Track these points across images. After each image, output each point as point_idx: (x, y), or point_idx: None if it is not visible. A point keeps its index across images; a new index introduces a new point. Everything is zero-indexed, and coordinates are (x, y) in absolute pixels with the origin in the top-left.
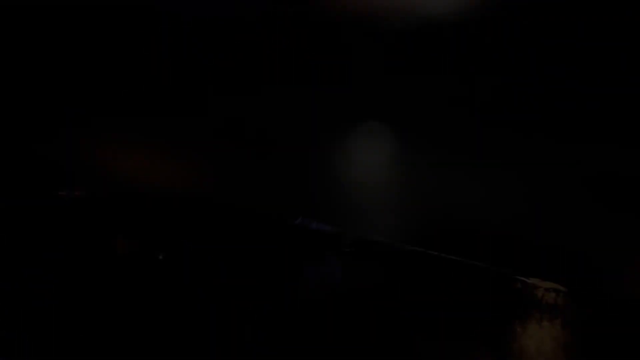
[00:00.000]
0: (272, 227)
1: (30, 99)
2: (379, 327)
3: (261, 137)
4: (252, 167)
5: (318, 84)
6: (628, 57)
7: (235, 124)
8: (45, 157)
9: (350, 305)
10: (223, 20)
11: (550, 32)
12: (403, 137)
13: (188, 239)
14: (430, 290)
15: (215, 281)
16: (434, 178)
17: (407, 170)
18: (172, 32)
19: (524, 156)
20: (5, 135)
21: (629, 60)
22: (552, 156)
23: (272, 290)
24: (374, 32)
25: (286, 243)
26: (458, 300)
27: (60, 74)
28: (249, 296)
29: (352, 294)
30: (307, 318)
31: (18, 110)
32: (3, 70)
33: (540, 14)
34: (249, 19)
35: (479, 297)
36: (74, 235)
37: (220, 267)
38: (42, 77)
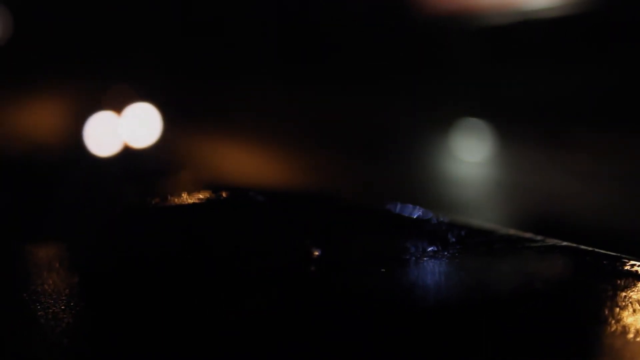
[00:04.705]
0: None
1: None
2: (545, 327)
3: (370, 136)
4: (364, 165)
5: (420, 82)
6: None
7: (339, 123)
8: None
9: (517, 304)
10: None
11: None
12: (504, 132)
13: (335, 236)
14: (581, 285)
15: (363, 274)
16: (539, 172)
17: (512, 164)
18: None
19: (630, 151)
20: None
21: None
22: None
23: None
24: (477, 29)
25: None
26: (605, 293)
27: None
28: (404, 293)
29: (515, 293)
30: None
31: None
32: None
33: None
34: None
35: (625, 290)
36: (227, 235)
37: (363, 261)
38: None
